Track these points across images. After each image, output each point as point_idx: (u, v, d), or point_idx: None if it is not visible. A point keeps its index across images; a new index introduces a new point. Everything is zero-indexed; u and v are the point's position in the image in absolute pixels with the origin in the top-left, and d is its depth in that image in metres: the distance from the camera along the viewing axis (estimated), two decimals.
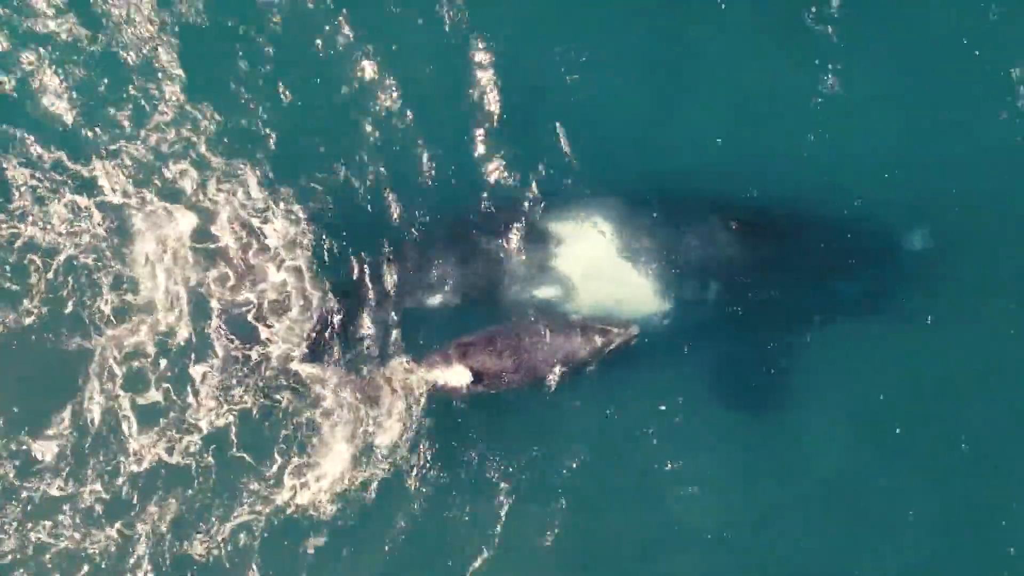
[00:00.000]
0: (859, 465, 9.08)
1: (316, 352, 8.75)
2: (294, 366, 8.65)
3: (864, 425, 9.09)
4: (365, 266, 8.92)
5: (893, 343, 9.22)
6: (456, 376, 8.61)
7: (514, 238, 9.02)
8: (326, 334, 8.78)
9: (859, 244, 9.39)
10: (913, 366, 9.20)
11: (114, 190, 8.76)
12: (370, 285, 8.89)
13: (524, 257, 9.02)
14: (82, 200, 8.73)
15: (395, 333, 8.86)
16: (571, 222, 9.12)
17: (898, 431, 9.05)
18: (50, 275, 8.63)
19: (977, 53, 9.47)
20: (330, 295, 8.84)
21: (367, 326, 8.86)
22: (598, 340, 8.71)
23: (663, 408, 8.99)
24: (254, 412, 8.62)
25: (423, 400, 8.68)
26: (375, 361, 8.80)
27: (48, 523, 8.39)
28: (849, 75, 9.44)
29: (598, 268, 9.09)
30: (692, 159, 9.33)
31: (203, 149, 8.91)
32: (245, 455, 8.59)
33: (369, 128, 9.09)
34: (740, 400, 9.14)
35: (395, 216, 9.00)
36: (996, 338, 9.24)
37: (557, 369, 8.70)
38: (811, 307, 9.32)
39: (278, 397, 8.68)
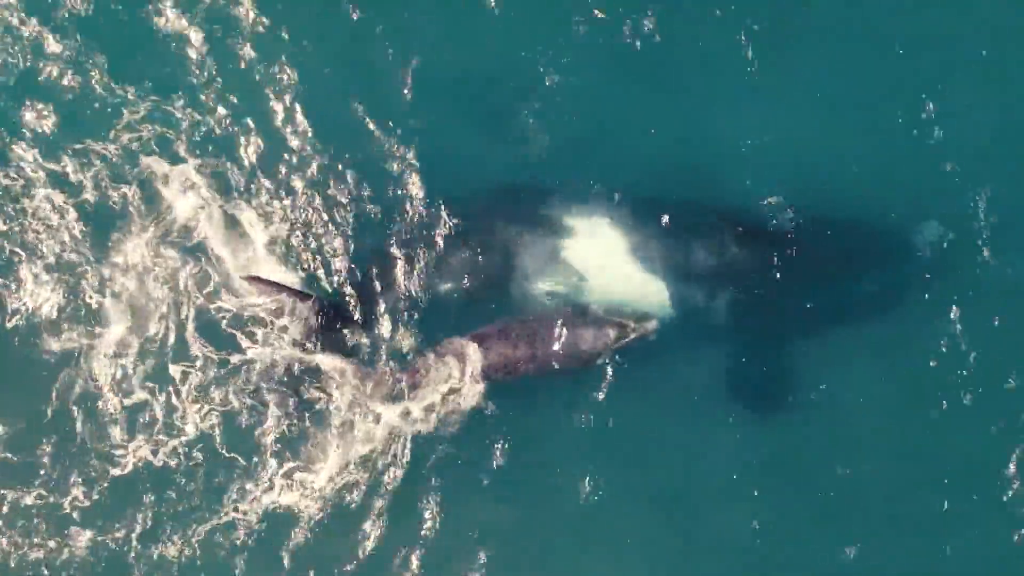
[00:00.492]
0: (869, 468, 8.98)
1: (321, 344, 8.73)
2: (315, 358, 8.63)
3: (875, 427, 9.02)
4: (373, 258, 8.93)
5: (904, 342, 9.13)
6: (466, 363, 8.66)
7: (523, 232, 9.03)
8: (331, 327, 8.75)
9: (870, 241, 9.33)
10: (924, 366, 9.07)
11: (92, 189, 8.74)
12: (380, 277, 8.88)
13: (532, 251, 9.03)
14: (61, 199, 8.70)
15: (407, 326, 8.83)
16: (581, 219, 9.11)
17: (913, 432, 8.99)
18: (36, 270, 8.62)
19: (980, 49, 9.45)
20: (334, 289, 8.84)
21: (378, 319, 8.83)
22: (614, 332, 8.70)
23: (669, 411, 8.99)
24: (244, 414, 8.60)
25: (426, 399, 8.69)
26: (389, 355, 8.77)
27: (25, 527, 8.39)
28: (852, 72, 9.42)
29: (606, 265, 9.08)
30: (701, 160, 9.31)
31: (186, 145, 8.93)
32: (235, 456, 8.56)
33: (379, 117, 9.10)
34: (747, 401, 9.06)
35: (403, 208, 9.00)
36: (1013, 336, 9.12)
37: (572, 360, 8.71)
38: (820, 307, 9.23)
39: (267, 398, 8.62)
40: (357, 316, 8.78)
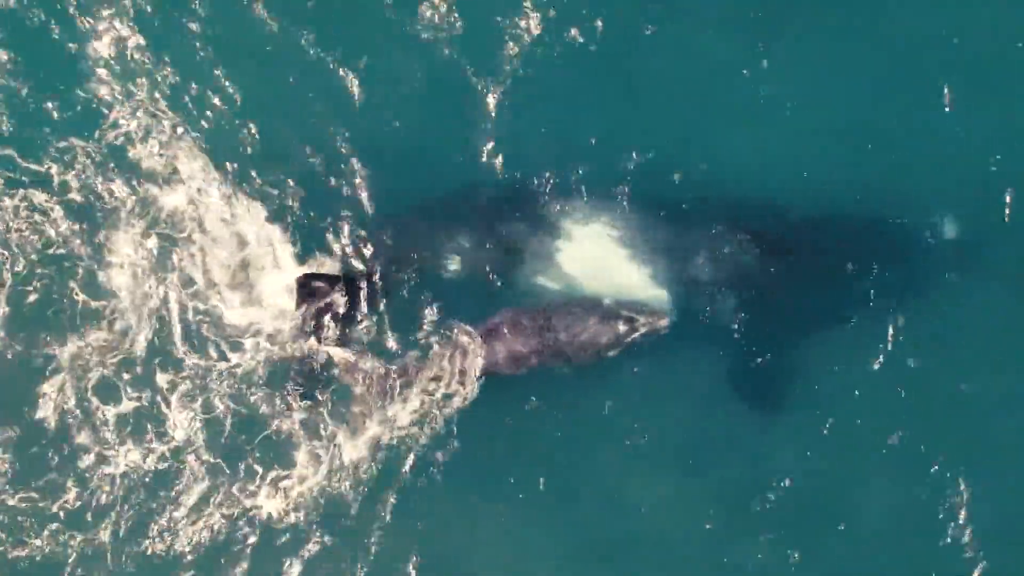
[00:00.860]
0: (868, 467, 8.89)
1: (320, 334, 8.76)
2: (327, 349, 8.65)
3: (875, 427, 8.88)
4: (377, 252, 8.96)
5: (903, 342, 8.99)
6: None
7: (523, 229, 9.06)
8: (331, 317, 8.76)
9: (870, 242, 9.21)
10: (925, 365, 8.97)
11: (78, 188, 8.76)
12: (384, 271, 8.94)
13: (533, 250, 9.06)
14: (43, 198, 8.73)
15: (411, 318, 8.86)
16: (581, 221, 9.11)
17: (914, 433, 8.88)
18: (18, 268, 8.63)
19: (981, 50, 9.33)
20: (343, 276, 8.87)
21: (382, 312, 8.86)
22: (624, 327, 8.72)
23: (666, 412, 8.92)
24: (232, 417, 8.59)
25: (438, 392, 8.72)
26: (398, 347, 8.81)
27: (10, 527, 8.42)
28: (852, 76, 9.34)
29: (603, 269, 9.08)
30: (707, 166, 9.23)
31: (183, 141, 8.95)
32: (222, 461, 8.56)
33: (380, 114, 9.15)
34: (746, 402, 9.00)
35: (405, 202, 9.08)
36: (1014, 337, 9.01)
37: (581, 353, 8.73)
38: (821, 308, 9.17)
39: (260, 400, 8.65)
40: (364, 306, 8.82)
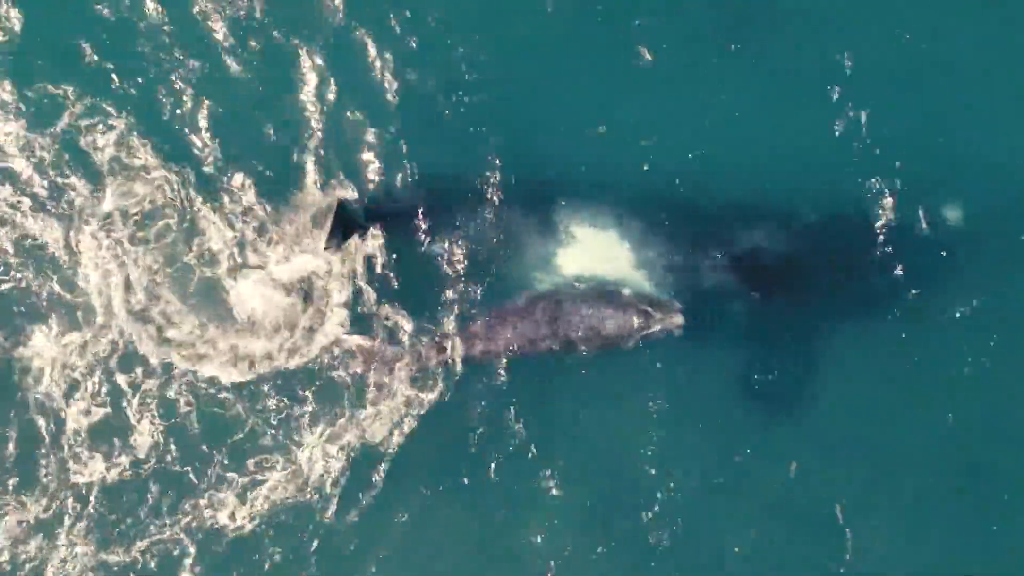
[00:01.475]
0: (869, 467, 9.15)
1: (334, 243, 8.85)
2: (343, 337, 8.77)
3: (876, 428, 9.13)
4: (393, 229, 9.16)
5: (902, 340, 9.27)
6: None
7: (532, 228, 9.24)
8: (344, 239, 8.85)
9: (880, 241, 9.37)
10: (926, 366, 9.21)
11: (41, 183, 8.72)
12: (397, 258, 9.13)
13: (537, 247, 9.22)
14: (8, 193, 8.69)
15: (422, 309, 9.06)
16: (591, 224, 9.28)
17: (918, 435, 9.12)
18: None
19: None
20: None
21: (392, 297, 9.02)
22: (637, 320, 8.87)
23: (664, 414, 9.13)
24: (204, 424, 8.65)
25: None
26: (410, 333, 8.96)
27: None
28: (861, 71, 9.49)
29: (606, 273, 9.25)
30: (712, 170, 9.43)
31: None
32: (189, 469, 8.65)
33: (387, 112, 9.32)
34: (740, 403, 9.23)
35: (414, 196, 9.27)
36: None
37: (593, 342, 8.91)
38: (822, 309, 9.37)
39: (234, 406, 8.74)
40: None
